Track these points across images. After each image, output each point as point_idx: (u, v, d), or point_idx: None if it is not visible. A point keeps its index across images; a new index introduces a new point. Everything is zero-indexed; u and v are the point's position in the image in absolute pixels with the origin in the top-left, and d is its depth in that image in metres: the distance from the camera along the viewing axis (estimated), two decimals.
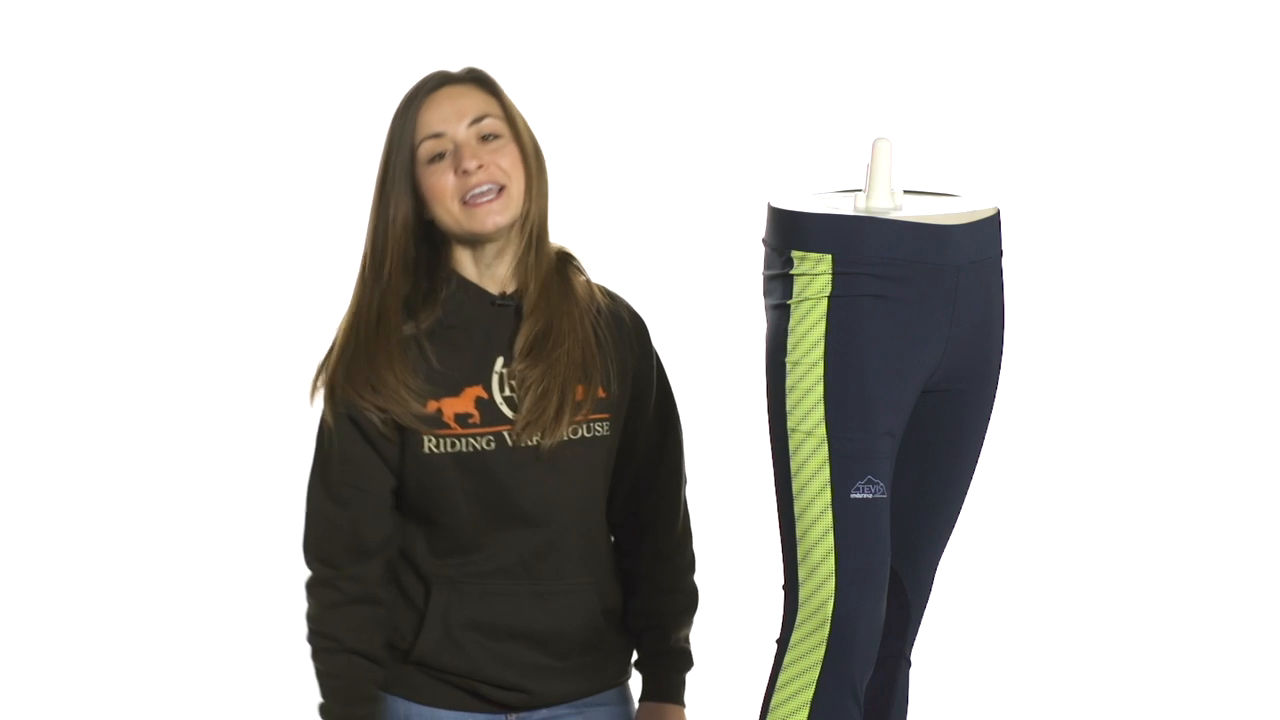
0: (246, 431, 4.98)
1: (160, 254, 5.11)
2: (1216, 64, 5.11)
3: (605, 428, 2.91)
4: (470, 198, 2.81)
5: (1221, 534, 5.01)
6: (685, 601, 3.04)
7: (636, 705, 3.06)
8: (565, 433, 2.86)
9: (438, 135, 2.82)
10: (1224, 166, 5.13)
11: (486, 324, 2.86)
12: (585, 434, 2.88)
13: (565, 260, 2.93)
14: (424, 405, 2.83)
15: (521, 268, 2.88)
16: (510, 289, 2.89)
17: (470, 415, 2.84)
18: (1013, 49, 5.12)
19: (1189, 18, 5.11)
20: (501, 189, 2.82)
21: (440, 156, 2.83)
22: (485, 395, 2.85)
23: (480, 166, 2.81)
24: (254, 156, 5.09)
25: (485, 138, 2.84)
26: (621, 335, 2.93)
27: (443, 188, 2.81)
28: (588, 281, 2.95)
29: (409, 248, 2.85)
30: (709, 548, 3.14)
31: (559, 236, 2.96)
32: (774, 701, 2.75)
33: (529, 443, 2.84)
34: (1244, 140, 5.12)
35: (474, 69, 2.89)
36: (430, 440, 2.84)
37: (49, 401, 5.10)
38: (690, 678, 3.09)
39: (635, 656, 3.06)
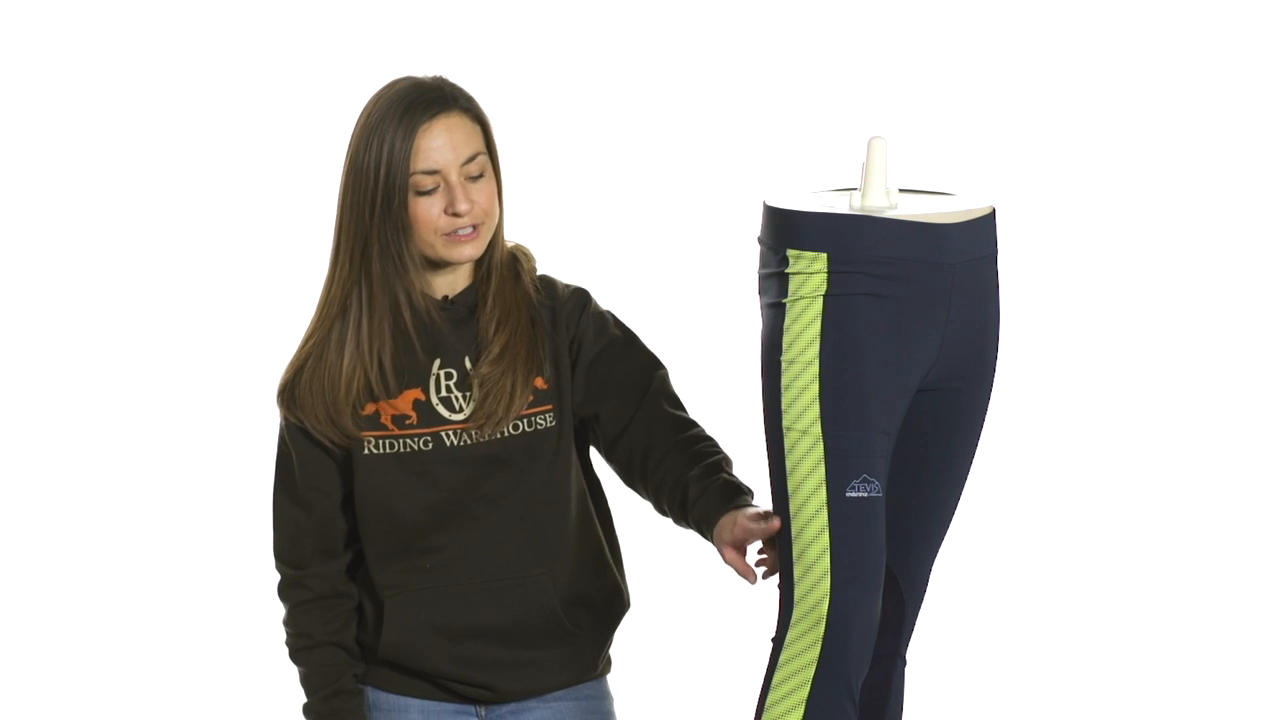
0: (232, 434, 4.98)
1: (145, 253, 5.11)
2: (1213, 64, 5.11)
3: (549, 419, 2.94)
4: (452, 233, 2.88)
5: (1218, 533, 5.01)
6: (717, 451, 2.93)
7: (612, 701, 3.07)
8: (506, 428, 2.90)
9: (433, 172, 2.87)
10: (1220, 166, 5.13)
11: (430, 327, 2.92)
12: (526, 428, 2.92)
13: (515, 259, 2.98)
14: (355, 427, 2.90)
15: (474, 276, 2.95)
16: (456, 291, 2.94)
17: (407, 417, 2.91)
18: (1008, 48, 5.12)
19: (1185, 18, 5.11)
20: (480, 226, 2.89)
21: (430, 190, 2.87)
22: (423, 397, 2.91)
23: (469, 208, 2.87)
24: (225, 155, 5.10)
25: (472, 176, 2.89)
26: (558, 318, 2.96)
27: (431, 220, 2.87)
28: (531, 276, 2.99)
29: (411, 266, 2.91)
30: (706, 546, 3.13)
31: (555, 236, 2.99)
32: (769, 700, 2.76)
33: (470, 440, 2.90)
34: (1240, 140, 5.12)
35: (466, 97, 2.92)
36: (370, 442, 2.92)
37: (34, 401, 5.10)
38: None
39: (694, 512, 2.90)
